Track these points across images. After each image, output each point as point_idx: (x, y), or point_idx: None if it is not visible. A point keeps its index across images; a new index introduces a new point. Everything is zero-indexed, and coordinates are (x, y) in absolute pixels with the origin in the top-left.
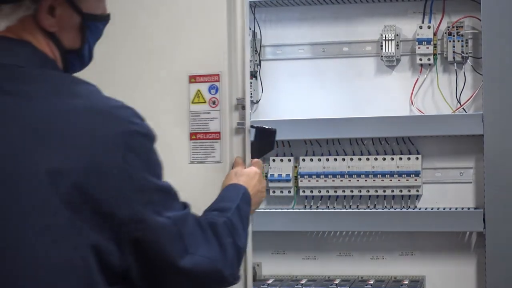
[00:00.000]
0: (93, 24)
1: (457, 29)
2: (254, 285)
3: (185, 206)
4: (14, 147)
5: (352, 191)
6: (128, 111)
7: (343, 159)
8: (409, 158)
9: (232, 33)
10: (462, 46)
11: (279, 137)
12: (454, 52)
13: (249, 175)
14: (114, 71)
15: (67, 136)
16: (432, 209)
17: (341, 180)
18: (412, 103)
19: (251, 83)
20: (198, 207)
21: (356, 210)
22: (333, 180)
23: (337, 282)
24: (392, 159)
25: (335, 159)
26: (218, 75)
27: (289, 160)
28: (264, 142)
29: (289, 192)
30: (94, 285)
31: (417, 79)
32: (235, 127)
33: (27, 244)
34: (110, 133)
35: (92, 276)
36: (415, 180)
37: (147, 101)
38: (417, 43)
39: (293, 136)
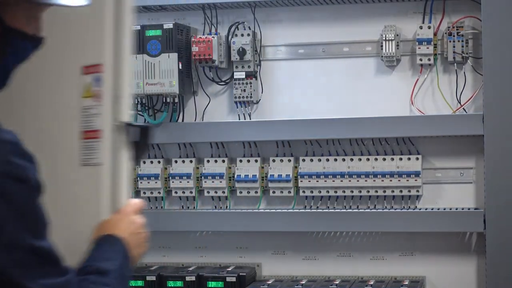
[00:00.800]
0: (17, 42)
1: (457, 29)
2: (255, 286)
3: (66, 271)
4: None
5: (352, 192)
6: (7, 146)
7: (343, 160)
8: (409, 159)
9: (118, 23)
10: (463, 46)
11: (279, 137)
12: (454, 52)
13: (128, 222)
14: None
15: None
16: (432, 209)
17: (341, 181)
18: (412, 103)
19: (251, 83)
20: (90, 213)
21: (356, 210)
22: (333, 181)
23: (337, 282)
24: (392, 159)
25: (335, 160)
26: (101, 65)
27: (289, 161)
28: (143, 141)
29: (289, 192)
30: None
31: (417, 79)
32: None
33: None
34: None
35: None
36: (415, 180)
37: (35, 97)
38: (417, 43)
39: (293, 136)
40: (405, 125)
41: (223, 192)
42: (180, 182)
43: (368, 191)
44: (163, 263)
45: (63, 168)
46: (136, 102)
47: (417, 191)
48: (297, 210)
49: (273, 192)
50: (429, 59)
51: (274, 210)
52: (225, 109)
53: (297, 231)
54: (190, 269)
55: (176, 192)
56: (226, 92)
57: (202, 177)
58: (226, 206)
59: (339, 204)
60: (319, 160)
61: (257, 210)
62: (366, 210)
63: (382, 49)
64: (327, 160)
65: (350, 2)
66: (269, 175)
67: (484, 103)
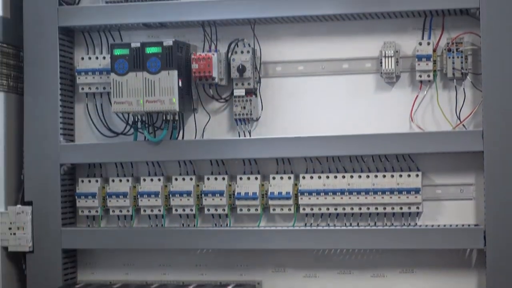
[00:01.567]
0: None
1: (456, 46)
2: None
3: None
4: None
5: (352, 209)
6: None
7: (343, 177)
8: (409, 175)
9: None
10: (462, 63)
11: (279, 154)
12: (453, 68)
13: None
14: None
15: None
16: (432, 226)
17: (341, 198)
18: (412, 119)
19: (251, 100)
20: None
21: (357, 227)
22: (333, 198)
23: None
24: (392, 176)
25: (335, 177)
26: None
27: (289, 178)
28: None
29: (289, 209)
30: None
31: (417, 96)
32: None
33: None
34: None
35: None
36: (415, 197)
37: None
38: (416, 59)
39: (293, 153)
40: (405, 142)
41: (223, 210)
42: (181, 199)
43: (368, 208)
44: (163, 280)
45: None
46: (136, 120)
47: (417, 208)
48: (298, 228)
49: (273, 209)
50: (428, 76)
51: (274, 228)
52: (225, 127)
53: (298, 249)
54: (191, 287)
55: (176, 210)
56: (226, 109)
57: (202, 195)
58: (227, 224)
59: (339, 221)
60: (319, 177)
61: (257, 228)
62: (366, 227)
63: (381, 65)
64: (327, 177)
65: (349, 18)
66: (269, 193)
67: (483, 119)
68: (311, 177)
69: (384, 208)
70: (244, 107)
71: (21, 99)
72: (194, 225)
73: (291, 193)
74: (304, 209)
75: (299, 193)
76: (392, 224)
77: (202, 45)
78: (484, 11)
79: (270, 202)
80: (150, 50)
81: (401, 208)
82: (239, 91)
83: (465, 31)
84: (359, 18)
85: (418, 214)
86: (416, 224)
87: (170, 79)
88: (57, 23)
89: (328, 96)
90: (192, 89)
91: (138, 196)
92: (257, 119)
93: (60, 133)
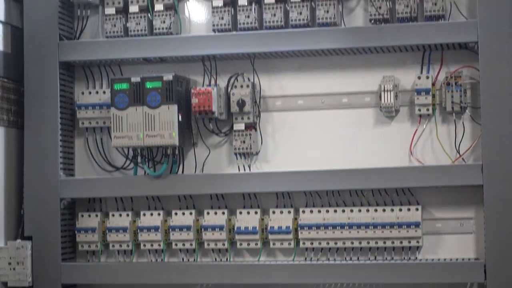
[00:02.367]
0: None
1: (455, 79)
2: None
3: None
4: None
5: (352, 243)
6: None
7: (343, 211)
8: (409, 209)
9: None
10: (461, 96)
11: (279, 188)
12: (452, 102)
13: None
14: None
15: None
16: (432, 260)
17: (341, 232)
18: (411, 153)
19: (250, 134)
20: None
21: (357, 262)
22: (333, 232)
23: None
24: (392, 210)
25: (335, 211)
26: None
27: (289, 212)
28: None
29: (289, 244)
30: None
31: (416, 130)
32: None
33: None
34: None
35: None
36: (415, 231)
37: None
38: (415, 93)
39: (293, 187)
40: (404, 176)
41: (223, 244)
42: (180, 234)
43: (368, 242)
44: None
45: None
46: (136, 154)
47: (417, 242)
48: (298, 262)
49: (273, 243)
50: (427, 109)
51: (274, 262)
52: (225, 161)
53: (298, 283)
54: None
55: (176, 244)
56: (226, 143)
57: (202, 229)
58: (227, 258)
59: (339, 255)
60: (319, 211)
61: (257, 262)
62: (366, 262)
63: (381, 99)
64: (327, 211)
65: (348, 53)
66: (269, 227)
67: (483, 153)
68: (311, 211)
69: (384, 242)
70: (244, 141)
71: (22, 133)
72: (194, 260)
73: (291, 227)
74: (304, 243)
75: (299, 227)
76: (392, 258)
77: (202, 79)
78: (482, 45)
79: (270, 236)
80: (150, 84)
81: (401, 242)
82: (238, 125)
83: (463, 65)
84: (358, 53)
85: (418, 248)
86: (416, 258)
87: (170, 114)
88: (57, 58)
89: (328, 130)
90: (192, 123)
91: (138, 230)
92: (256, 153)
93: (60, 168)
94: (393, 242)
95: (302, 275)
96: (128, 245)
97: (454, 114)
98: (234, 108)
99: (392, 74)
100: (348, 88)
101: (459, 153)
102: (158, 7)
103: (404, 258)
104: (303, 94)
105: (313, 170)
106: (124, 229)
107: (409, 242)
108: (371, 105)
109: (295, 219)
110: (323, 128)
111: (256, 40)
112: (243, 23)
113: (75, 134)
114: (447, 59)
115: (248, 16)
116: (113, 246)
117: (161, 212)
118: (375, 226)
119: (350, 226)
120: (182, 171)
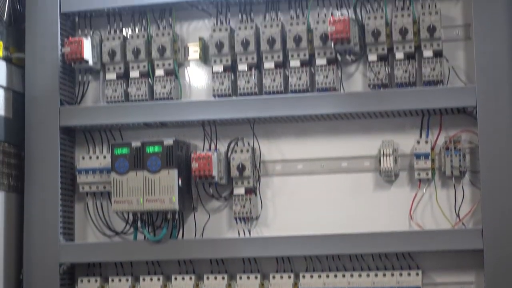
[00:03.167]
0: None
1: (454, 144)
2: None
3: None
4: None
5: None
6: None
7: (343, 275)
8: (409, 274)
9: None
10: (460, 161)
11: (279, 253)
12: (452, 166)
13: None
14: None
15: None
16: None
17: None
18: (411, 218)
19: (250, 199)
20: None
21: None
22: None
23: None
24: (392, 274)
25: (335, 275)
26: None
27: (289, 277)
28: None
29: None
30: None
31: (416, 194)
32: None
33: None
34: None
35: None
36: None
37: None
38: (415, 158)
39: (293, 252)
40: (404, 240)
41: None
42: None
43: None
44: None
45: None
46: (136, 219)
47: None
48: None
49: None
50: (427, 174)
51: None
52: (225, 225)
53: None
54: None
55: None
56: (226, 208)
57: None
58: None
59: None
60: (319, 276)
61: None
62: None
63: (380, 164)
64: (327, 276)
65: (348, 117)
66: None
67: (483, 217)
68: (311, 276)
69: None
70: (244, 206)
71: (22, 198)
72: None
73: None
74: None
75: None
76: None
77: (202, 144)
78: (481, 110)
79: None
80: (150, 149)
81: None
82: (238, 190)
83: (462, 129)
84: (358, 117)
85: None
86: None
87: (170, 178)
88: (58, 123)
89: (328, 194)
90: (192, 188)
91: None
92: (256, 218)
93: (60, 232)
94: None
95: None
96: None
97: (453, 178)
98: (234, 172)
99: (391, 138)
100: (347, 153)
101: (459, 217)
102: (159, 72)
103: None
104: (303, 158)
105: (313, 234)
106: None
107: None
108: (371, 169)
109: (295, 284)
110: (323, 192)
111: (256, 105)
112: (243, 88)
113: (75, 198)
114: (446, 124)
115: (248, 82)
116: None
117: (161, 277)
118: None
119: None
120: (182, 236)
